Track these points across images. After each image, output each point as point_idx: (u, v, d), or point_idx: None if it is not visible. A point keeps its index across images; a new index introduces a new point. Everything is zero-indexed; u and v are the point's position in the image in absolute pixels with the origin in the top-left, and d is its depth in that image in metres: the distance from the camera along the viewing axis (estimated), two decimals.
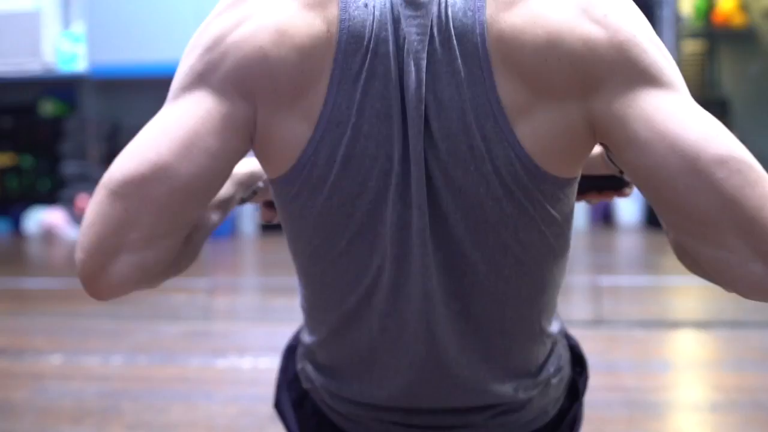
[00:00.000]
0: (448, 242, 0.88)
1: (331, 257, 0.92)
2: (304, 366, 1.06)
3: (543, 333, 0.98)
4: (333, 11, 0.82)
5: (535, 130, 0.80)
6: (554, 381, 1.01)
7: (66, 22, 7.61)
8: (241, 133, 0.84)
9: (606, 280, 4.21)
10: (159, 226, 0.81)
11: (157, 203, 0.80)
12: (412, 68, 0.81)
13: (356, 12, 0.82)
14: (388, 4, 0.82)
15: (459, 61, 0.80)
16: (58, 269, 5.86)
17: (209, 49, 0.83)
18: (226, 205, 1.07)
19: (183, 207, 0.83)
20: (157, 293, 4.38)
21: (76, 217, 7.51)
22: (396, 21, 0.82)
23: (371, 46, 0.81)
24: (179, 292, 4.38)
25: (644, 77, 0.76)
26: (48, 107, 8.02)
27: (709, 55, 8.17)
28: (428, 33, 0.81)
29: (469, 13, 0.79)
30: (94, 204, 0.81)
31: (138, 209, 0.80)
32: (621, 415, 2.37)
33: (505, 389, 0.96)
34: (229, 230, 7.17)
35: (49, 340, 3.37)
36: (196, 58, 0.85)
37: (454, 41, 0.80)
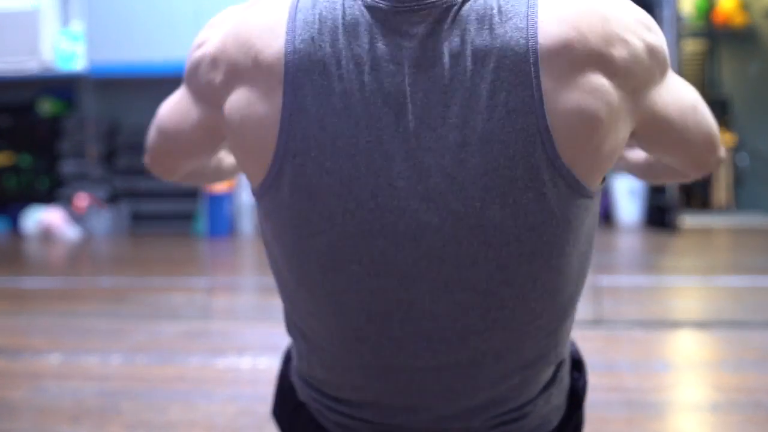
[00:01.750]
0: (471, 286, 0.85)
1: (307, 288, 0.90)
2: (296, 378, 1.06)
3: (558, 357, 0.98)
4: (278, 37, 0.83)
5: (585, 147, 0.81)
6: (555, 391, 1.01)
7: (64, 20, 7.60)
8: (214, 130, 0.94)
9: (606, 280, 4.21)
10: (180, 155, 1.05)
11: (174, 145, 1.04)
12: (408, 102, 0.80)
13: (301, 45, 0.81)
14: (361, 26, 0.81)
15: (502, 93, 0.78)
16: (56, 268, 5.85)
17: (189, 59, 0.95)
18: (231, 167, 1.27)
19: (183, 154, 1.05)
20: (156, 292, 4.37)
21: (75, 216, 7.50)
22: (374, 47, 0.80)
23: (321, 81, 0.81)
24: (178, 292, 4.38)
25: (667, 68, 0.90)
26: (46, 106, 8.00)
27: (710, 55, 8.17)
28: (434, 57, 0.79)
29: (519, 34, 0.79)
30: (153, 125, 1.07)
31: (167, 143, 1.04)
32: (621, 415, 2.37)
33: (510, 403, 0.96)
34: (227, 230, 7.16)
35: (47, 339, 3.37)
36: (187, 61, 0.96)
37: (492, 68, 0.78)
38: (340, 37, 0.81)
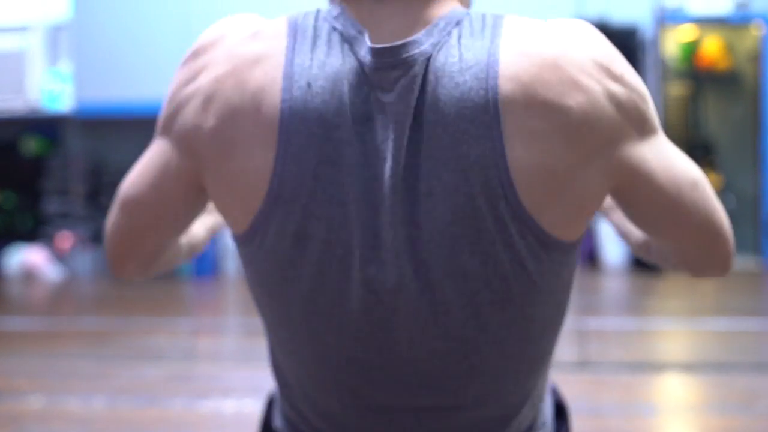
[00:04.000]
0: (447, 333, 0.86)
1: (289, 329, 0.91)
2: (279, 422, 1.05)
3: (537, 398, 0.98)
4: (269, 79, 0.82)
5: (551, 199, 0.81)
6: None
7: (53, 60, 7.63)
8: (193, 185, 0.90)
9: (591, 322, 4.21)
10: (157, 230, 0.95)
11: (149, 217, 0.94)
12: (389, 154, 0.81)
13: (298, 92, 0.82)
14: (348, 79, 0.81)
15: (465, 145, 0.79)
16: (38, 309, 5.81)
17: (168, 102, 0.90)
18: (205, 235, 1.21)
19: (159, 227, 0.95)
20: (139, 334, 4.34)
21: (58, 256, 7.46)
22: (360, 101, 0.81)
23: (316, 130, 0.81)
24: (162, 333, 4.35)
25: (651, 127, 0.86)
26: (30, 145, 8.01)
27: (694, 98, 8.28)
28: (411, 110, 0.80)
29: (480, 88, 0.79)
30: (115, 209, 0.96)
31: (139, 218, 0.94)
32: None
33: None
34: (212, 270, 7.14)
35: (29, 381, 3.34)
36: (163, 107, 0.91)
37: (459, 122, 0.79)
38: (337, 87, 0.81)
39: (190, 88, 0.87)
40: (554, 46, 0.80)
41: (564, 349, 3.86)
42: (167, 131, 0.90)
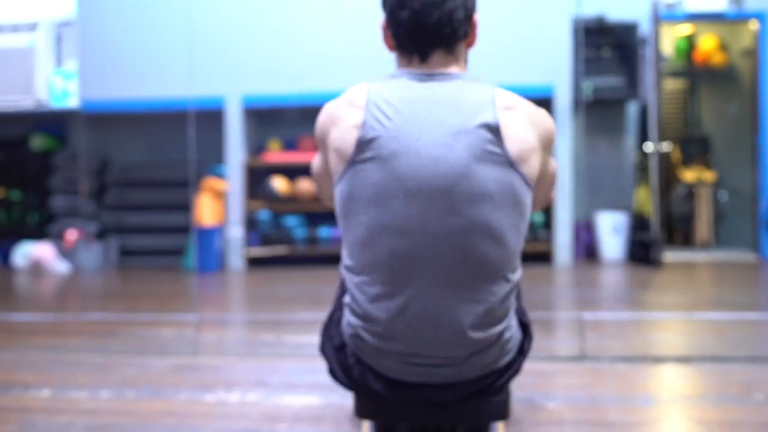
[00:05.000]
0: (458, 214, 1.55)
1: (365, 230, 1.59)
2: (347, 318, 1.65)
3: (504, 304, 1.62)
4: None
5: (524, 159, 1.60)
6: (511, 335, 1.65)
7: (59, 59, 7.67)
8: (328, 167, 1.72)
9: (589, 315, 4.26)
10: (324, 192, 1.85)
11: (321, 189, 1.87)
12: (433, 117, 1.61)
13: (375, 95, 1.63)
14: (409, 86, 1.66)
15: (480, 113, 1.59)
16: (45, 303, 5.86)
17: (319, 136, 1.71)
18: None
19: (325, 185, 1.81)
20: (145, 327, 4.39)
21: (65, 251, 7.51)
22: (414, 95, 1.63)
23: (385, 106, 1.62)
24: (167, 327, 4.39)
25: (552, 150, 1.74)
26: (38, 142, 8.05)
27: (690, 94, 8.31)
28: (448, 98, 1.62)
29: (483, 89, 1.64)
30: (314, 175, 1.87)
31: (319, 188, 1.88)
32: None
33: (478, 335, 1.57)
34: (216, 264, 7.19)
35: (36, 374, 3.38)
36: (316, 132, 1.73)
37: (472, 102, 1.62)
38: (404, 86, 1.64)
39: (326, 124, 1.68)
40: (527, 101, 1.65)
41: (563, 342, 3.90)
42: (320, 144, 1.71)
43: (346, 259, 1.64)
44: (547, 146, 1.65)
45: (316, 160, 1.80)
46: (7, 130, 8.21)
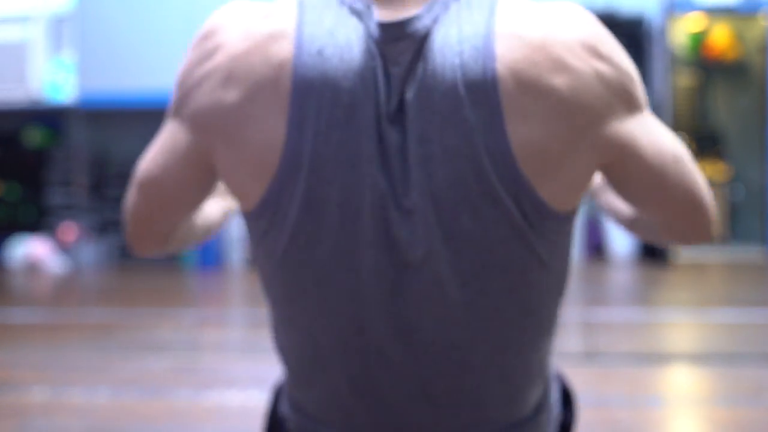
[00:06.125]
0: (450, 297, 0.88)
1: (300, 302, 0.92)
2: (285, 408, 1.06)
3: (541, 376, 0.99)
4: (286, 53, 0.86)
5: (547, 172, 0.85)
6: (544, 419, 1.03)
7: (56, 50, 7.63)
8: (204, 164, 0.93)
9: (598, 314, 4.20)
10: (170, 209, 0.98)
11: (163, 197, 0.97)
12: (395, 118, 0.85)
13: (309, 59, 0.85)
14: (357, 47, 0.85)
15: (467, 109, 0.83)
16: (42, 300, 5.82)
17: (179, 85, 0.92)
18: (220, 217, 1.23)
19: (172, 206, 0.98)
20: (143, 326, 4.34)
21: (62, 248, 7.47)
22: (370, 67, 0.85)
23: (327, 94, 0.84)
24: (166, 325, 4.35)
25: (638, 104, 0.89)
26: (33, 136, 8.01)
27: (702, 88, 8.25)
28: (416, 79, 0.85)
29: (479, 60, 0.84)
30: (133, 188, 0.99)
31: (154, 198, 0.97)
32: None
33: (500, 419, 0.97)
34: (216, 262, 7.14)
35: (33, 373, 3.34)
36: (174, 90, 0.93)
37: (461, 89, 0.83)
38: (347, 53, 0.85)
39: (205, 68, 0.89)
40: (544, 28, 0.85)
41: (571, 341, 3.85)
42: (179, 113, 0.92)
43: None
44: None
45: None
46: (2, 124, 8.18)
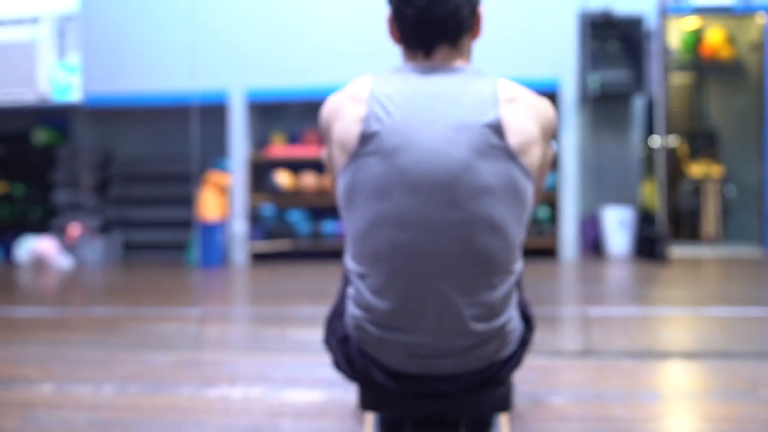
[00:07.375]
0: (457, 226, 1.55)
1: (365, 224, 1.59)
2: (350, 310, 1.65)
3: (511, 304, 1.65)
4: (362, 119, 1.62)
5: (524, 149, 1.59)
6: (514, 327, 1.66)
7: (61, 52, 7.66)
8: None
9: (595, 311, 4.23)
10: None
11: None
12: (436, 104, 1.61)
13: (378, 88, 1.62)
14: (411, 80, 1.64)
15: (483, 106, 1.59)
16: (48, 298, 5.85)
17: (323, 128, 1.70)
18: None
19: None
20: (147, 322, 4.37)
21: (67, 246, 7.50)
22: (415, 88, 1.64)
23: (397, 98, 1.62)
24: (170, 321, 4.38)
25: (551, 136, 1.72)
26: (41, 136, 8.04)
27: (697, 88, 8.27)
28: (449, 91, 1.62)
29: (486, 83, 1.63)
30: (325, 166, 1.82)
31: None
32: None
33: (479, 327, 1.58)
34: (220, 259, 7.17)
35: (39, 368, 3.37)
36: (320, 125, 1.71)
37: (474, 96, 1.61)
38: (405, 81, 1.63)
39: (329, 117, 1.67)
40: (529, 92, 1.65)
41: (568, 337, 3.88)
42: (324, 136, 1.69)
43: (349, 252, 1.65)
44: (548, 136, 1.65)
45: (323, 152, 1.80)
46: (9, 124, 8.21)
